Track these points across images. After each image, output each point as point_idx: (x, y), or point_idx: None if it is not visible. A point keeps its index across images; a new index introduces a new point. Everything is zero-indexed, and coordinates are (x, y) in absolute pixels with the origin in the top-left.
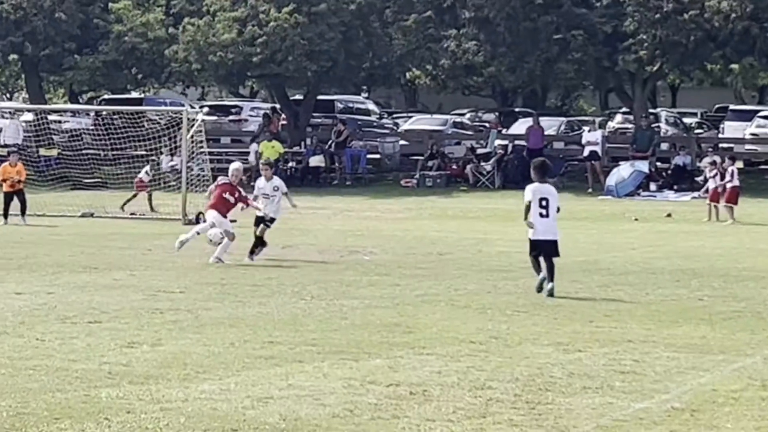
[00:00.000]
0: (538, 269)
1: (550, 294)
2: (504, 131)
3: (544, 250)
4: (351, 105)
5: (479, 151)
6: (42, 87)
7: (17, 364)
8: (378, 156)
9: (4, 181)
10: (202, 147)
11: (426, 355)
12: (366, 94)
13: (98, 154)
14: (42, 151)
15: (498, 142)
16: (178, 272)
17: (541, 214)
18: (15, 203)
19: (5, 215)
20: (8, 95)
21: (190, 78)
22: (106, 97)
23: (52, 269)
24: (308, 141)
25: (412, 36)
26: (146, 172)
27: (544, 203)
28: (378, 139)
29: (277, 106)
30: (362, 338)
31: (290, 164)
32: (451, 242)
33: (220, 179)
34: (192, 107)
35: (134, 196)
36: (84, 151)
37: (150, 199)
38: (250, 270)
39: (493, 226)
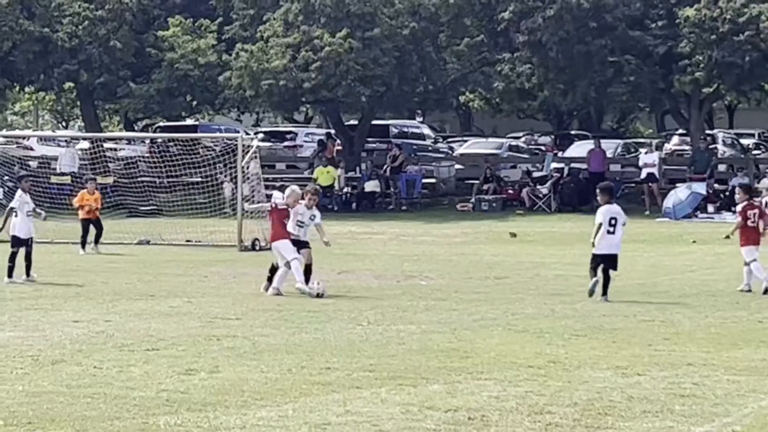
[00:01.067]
0: (593, 274)
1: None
2: (560, 154)
3: (604, 263)
4: (406, 129)
5: (535, 174)
6: (97, 115)
7: (75, 392)
8: (433, 180)
9: (81, 207)
10: (257, 173)
11: (484, 380)
12: (420, 119)
13: (153, 182)
14: (98, 179)
15: (554, 165)
16: (235, 299)
17: (608, 231)
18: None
19: (83, 244)
20: (64, 123)
21: (244, 104)
22: (161, 124)
23: (109, 297)
24: (363, 166)
25: (466, 60)
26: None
27: (612, 221)
28: (433, 164)
29: (332, 131)
30: (420, 363)
31: (346, 189)
32: (507, 266)
33: (276, 201)
34: (247, 133)
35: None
36: (139, 179)
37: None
38: (307, 296)
39: (549, 250)
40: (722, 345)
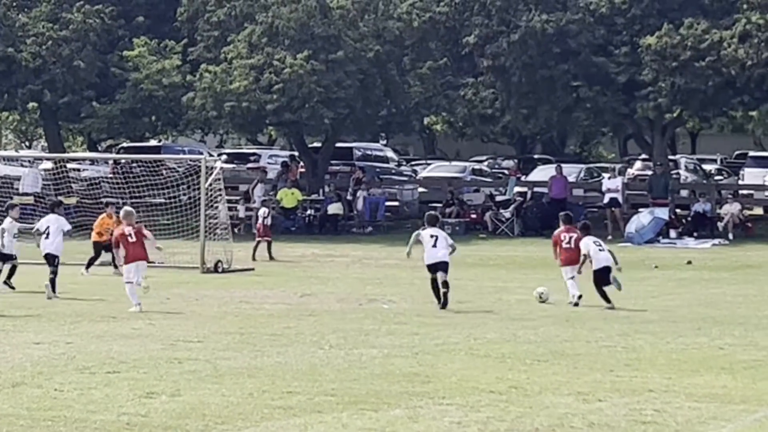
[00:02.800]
0: (603, 293)
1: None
2: (523, 178)
3: (604, 275)
4: (369, 152)
5: (498, 198)
6: (61, 135)
7: (36, 414)
8: (397, 203)
9: (99, 234)
10: (220, 195)
11: (446, 405)
12: (384, 142)
13: (117, 202)
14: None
15: (517, 189)
16: (197, 321)
17: (600, 249)
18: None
19: (89, 266)
20: (27, 143)
21: (207, 125)
22: (124, 145)
23: (71, 318)
24: (326, 188)
25: (429, 83)
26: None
27: (598, 243)
28: (397, 187)
29: (296, 153)
30: (381, 388)
31: (309, 212)
32: (470, 290)
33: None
34: (210, 155)
35: (258, 244)
36: (103, 199)
37: (269, 248)
38: (269, 319)
39: (512, 274)
40: (683, 371)
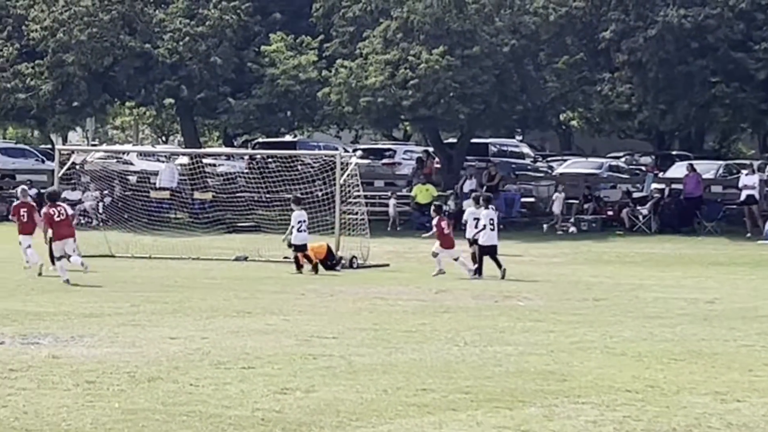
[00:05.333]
0: None
1: None
2: (660, 175)
3: None
4: (505, 148)
5: (635, 194)
6: (197, 130)
7: (171, 409)
8: (532, 199)
9: None
10: (356, 191)
11: (581, 403)
12: (520, 137)
13: (252, 197)
14: (196, 195)
15: (654, 185)
16: (331, 317)
17: None
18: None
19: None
20: (164, 139)
21: (342, 121)
22: (260, 140)
23: (206, 313)
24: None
25: (566, 78)
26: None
27: None
28: (532, 183)
29: (431, 149)
30: (516, 386)
31: (445, 207)
32: (606, 288)
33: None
34: (345, 150)
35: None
36: (238, 195)
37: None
38: (404, 316)
39: (649, 272)
40: None
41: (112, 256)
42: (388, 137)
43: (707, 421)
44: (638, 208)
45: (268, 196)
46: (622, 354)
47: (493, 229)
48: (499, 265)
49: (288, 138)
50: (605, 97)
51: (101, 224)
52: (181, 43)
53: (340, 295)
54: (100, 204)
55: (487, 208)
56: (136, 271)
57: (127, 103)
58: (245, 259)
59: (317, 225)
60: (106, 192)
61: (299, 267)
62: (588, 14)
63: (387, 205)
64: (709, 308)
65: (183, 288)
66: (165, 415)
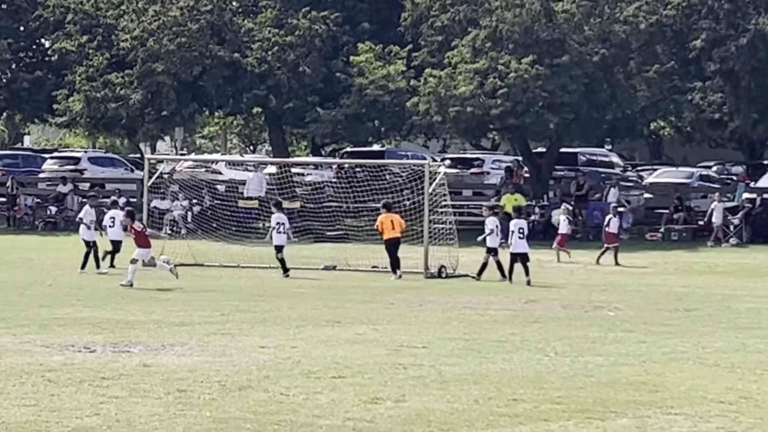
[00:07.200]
0: None
1: None
2: (752, 184)
3: None
4: (594, 157)
5: (727, 204)
6: (285, 139)
7: (262, 418)
8: (623, 209)
9: (382, 232)
10: (444, 200)
11: (674, 414)
12: (609, 147)
13: (340, 207)
14: (285, 204)
15: (746, 195)
16: (421, 327)
17: None
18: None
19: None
20: (252, 147)
21: (431, 130)
22: (348, 149)
23: (295, 322)
24: (550, 194)
25: (656, 87)
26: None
27: None
28: (622, 192)
29: (520, 158)
30: (608, 397)
31: (533, 217)
32: (697, 298)
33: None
34: (434, 160)
35: (606, 249)
36: (326, 204)
37: (616, 255)
38: (493, 325)
39: (741, 282)
40: None
41: (201, 265)
42: (476, 146)
43: None
44: (730, 217)
45: (355, 205)
46: (714, 365)
47: (521, 238)
48: (527, 272)
49: (376, 147)
50: (696, 106)
51: (188, 233)
52: (269, 52)
53: (429, 304)
54: (189, 213)
55: (518, 218)
56: (224, 280)
57: (216, 113)
58: (334, 268)
59: (405, 234)
60: (194, 201)
61: (286, 270)
62: (678, 22)
63: (475, 215)
64: None
65: (272, 297)
66: (256, 424)
